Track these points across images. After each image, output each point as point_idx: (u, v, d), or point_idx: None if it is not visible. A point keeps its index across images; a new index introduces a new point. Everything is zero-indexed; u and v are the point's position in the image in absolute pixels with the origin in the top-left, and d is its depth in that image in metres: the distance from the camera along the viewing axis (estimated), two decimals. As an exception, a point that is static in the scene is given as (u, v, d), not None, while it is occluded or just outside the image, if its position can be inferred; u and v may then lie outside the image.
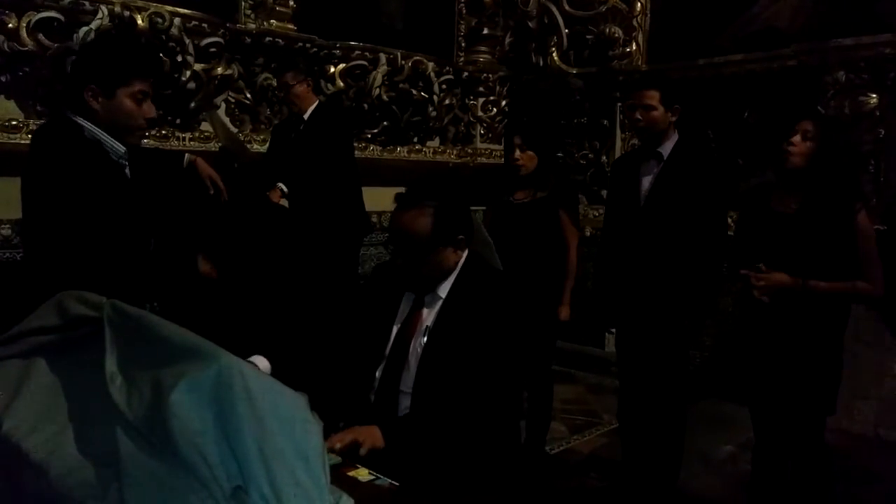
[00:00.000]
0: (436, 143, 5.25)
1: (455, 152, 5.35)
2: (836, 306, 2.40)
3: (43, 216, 1.96)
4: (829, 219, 2.34)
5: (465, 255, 1.90)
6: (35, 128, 2.95)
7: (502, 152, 5.32)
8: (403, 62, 4.71)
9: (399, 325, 1.89)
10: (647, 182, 2.85)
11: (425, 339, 1.83)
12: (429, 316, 1.86)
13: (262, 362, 1.77)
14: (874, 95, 3.87)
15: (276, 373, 1.73)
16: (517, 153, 3.19)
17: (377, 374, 1.87)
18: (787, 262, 2.37)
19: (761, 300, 2.40)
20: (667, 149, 2.83)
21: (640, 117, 2.83)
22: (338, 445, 1.56)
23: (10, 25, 3.08)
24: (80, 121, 1.97)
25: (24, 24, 3.10)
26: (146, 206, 2.02)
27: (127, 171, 2.07)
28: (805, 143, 2.37)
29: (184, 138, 3.82)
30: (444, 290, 1.87)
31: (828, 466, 2.49)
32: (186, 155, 2.38)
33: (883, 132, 3.88)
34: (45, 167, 1.94)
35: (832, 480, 2.50)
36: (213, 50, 3.76)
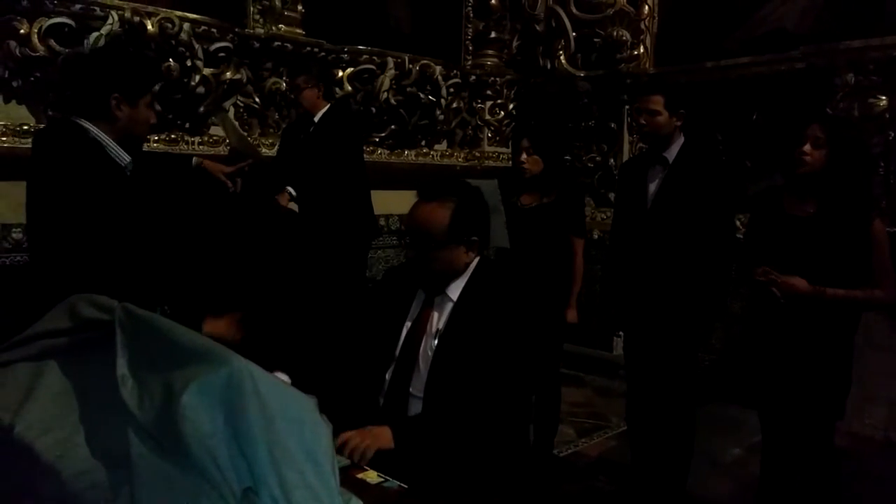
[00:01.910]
0: (443, 146, 5.26)
1: (462, 155, 5.35)
2: (848, 310, 2.39)
3: (49, 218, 1.97)
4: (845, 224, 2.33)
5: (476, 259, 1.91)
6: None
7: (510, 155, 5.33)
8: (411, 66, 4.72)
9: (409, 325, 1.90)
10: (653, 187, 2.85)
11: (436, 342, 1.83)
12: (440, 319, 1.87)
13: (283, 378, 1.77)
14: (883, 97, 3.85)
15: (295, 382, 1.73)
16: (523, 156, 3.20)
17: (387, 376, 1.87)
18: (802, 265, 2.35)
19: (775, 299, 2.38)
20: (672, 153, 2.84)
21: (644, 122, 2.84)
22: (351, 449, 1.56)
23: (22, 31, 3.11)
24: (86, 124, 2.00)
25: (36, 30, 3.12)
26: (148, 207, 2.05)
27: (128, 172, 2.10)
28: (817, 150, 2.34)
29: (193, 142, 3.85)
30: (454, 293, 1.87)
31: (836, 470, 2.48)
32: (194, 158, 2.40)
33: (892, 134, 3.86)
34: (50, 170, 1.96)
35: (840, 484, 2.49)
36: (222, 55, 3.79)
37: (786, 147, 2.42)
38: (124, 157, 2.07)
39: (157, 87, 2.19)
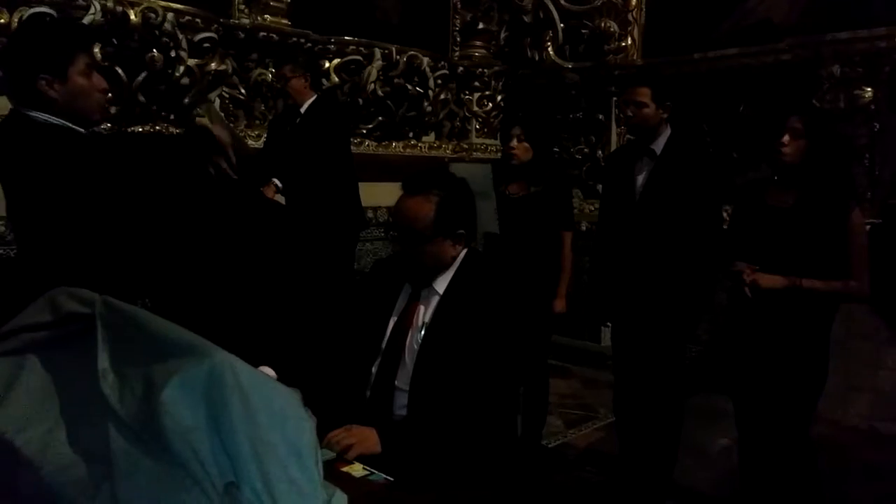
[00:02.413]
0: (431, 137, 5.25)
1: (450, 147, 5.34)
2: (825, 302, 2.41)
3: (29, 211, 1.94)
4: (824, 215, 2.35)
5: (463, 251, 1.90)
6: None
7: (498, 147, 5.32)
8: (398, 57, 4.70)
9: (395, 319, 1.89)
10: (640, 179, 2.86)
11: (422, 335, 1.82)
12: (426, 312, 1.85)
13: (268, 372, 1.76)
14: (869, 89, 3.88)
15: (280, 376, 1.72)
16: (514, 142, 3.20)
17: (373, 369, 1.86)
18: (781, 256, 2.38)
19: (748, 296, 2.40)
20: (659, 145, 2.84)
21: (631, 114, 2.84)
22: (338, 448, 1.55)
23: (2, 20, 3.06)
24: (34, 114, 1.90)
25: (16, 20, 3.08)
26: (117, 189, 1.95)
27: (92, 153, 1.98)
28: (796, 142, 2.36)
29: (178, 134, 3.81)
30: (441, 286, 1.86)
31: (812, 461, 2.49)
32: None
33: (878, 126, 3.89)
34: (15, 166, 1.91)
35: (818, 474, 2.50)
36: (206, 45, 3.75)
37: (767, 139, 2.44)
38: (80, 129, 1.97)
39: (94, 47, 1.96)
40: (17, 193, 1.93)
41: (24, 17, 3.08)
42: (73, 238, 1.88)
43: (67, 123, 1.93)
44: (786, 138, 2.37)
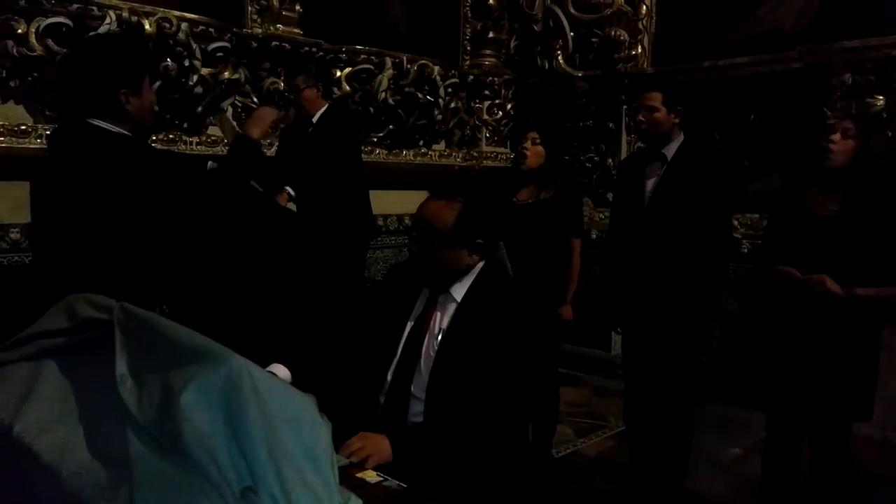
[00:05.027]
0: (441, 146, 5.26)
1: (461, 155, 5.35)
2: (876, 310, 2.34)
3: (61, 218, 1.96)
4: (872, 221, 2.28)
5: (481, 262, 1.91)
6: (48, 132, 2.98)
7: (508, 155, 5.34)
8: (409, 66, 4.72)
9: (412, 323, 1.89)
10: (651, 184, 2.85)
11: (438, 342, 1.83)
12: (442, 318, 1.86)
13: (281, 370, 1.78)
14: (881, 97, 3.86)
15: (294, 379, 1.74)
16: (528, 144, 3.19)
17: (388, 375, 1.87)
18: (827, 265, 2.31)
19: (804, 295, 2.35)
20: (671, 150, 2.83)
21: (642, 119, 2.84)
22: (352, 458, 1.56)
23: (20, 31, 3.11)
24: (99, 123, 1.98)
25: (33, 30, 3.12)
26: (158, 199, 2.02)
27: (150, 163, 2.07)
28: (846, 142, 2.32)
29: (191, 142, 3.84)
30: (458, 293, 1.87)
31: (851, 472, 2.45)
32: (209, 162, 2.38)
33: (890, 134, 3.88)
34: (74, 171, 1.94)
35: (853, 486, 2.47)
36: (219, 54, 3.78)
37: (812, 140, 2.40)
38: (141, 140, 2.08)
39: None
40: (63, 198, 1.95)
41: (41, 28, 3.12)
42: (101, 245, 1.90)
43: (130, 134, 2.03)
44: (836, 136, 2.32)
